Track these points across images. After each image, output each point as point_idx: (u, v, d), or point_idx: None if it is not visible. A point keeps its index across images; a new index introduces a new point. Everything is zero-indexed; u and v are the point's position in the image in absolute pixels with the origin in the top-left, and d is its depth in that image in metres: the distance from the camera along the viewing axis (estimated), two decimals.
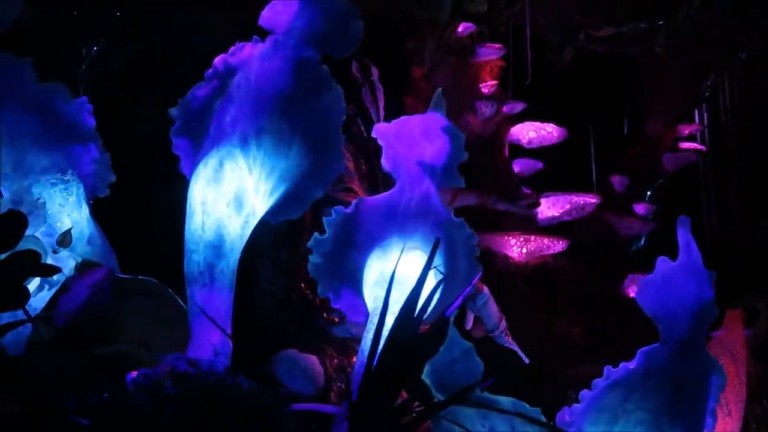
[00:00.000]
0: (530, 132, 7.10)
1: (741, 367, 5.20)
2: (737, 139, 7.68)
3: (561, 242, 6.63)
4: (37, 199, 3.48)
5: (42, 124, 3.53)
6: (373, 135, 3.20)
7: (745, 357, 5.26)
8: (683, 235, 2.94)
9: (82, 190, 3.62)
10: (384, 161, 3.16)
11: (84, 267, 3.11)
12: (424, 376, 2.45)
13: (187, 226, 3.17)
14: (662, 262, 2.96)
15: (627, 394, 2.93)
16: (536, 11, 6.84)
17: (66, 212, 3.62)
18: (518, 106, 6.89)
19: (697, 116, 7.52)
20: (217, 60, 3.16)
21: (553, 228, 6.90)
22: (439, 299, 2.99)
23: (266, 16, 3.17)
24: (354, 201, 3.16)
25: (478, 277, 3.17)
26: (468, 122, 6.85)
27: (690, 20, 6.71)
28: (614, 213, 7.06)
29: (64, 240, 3.53)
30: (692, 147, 7.32)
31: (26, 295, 2.94)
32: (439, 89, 3.26)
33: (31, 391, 2.64)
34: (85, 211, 3.68)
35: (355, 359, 3.82)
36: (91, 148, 3.58)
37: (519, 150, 7.20)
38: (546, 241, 6.61)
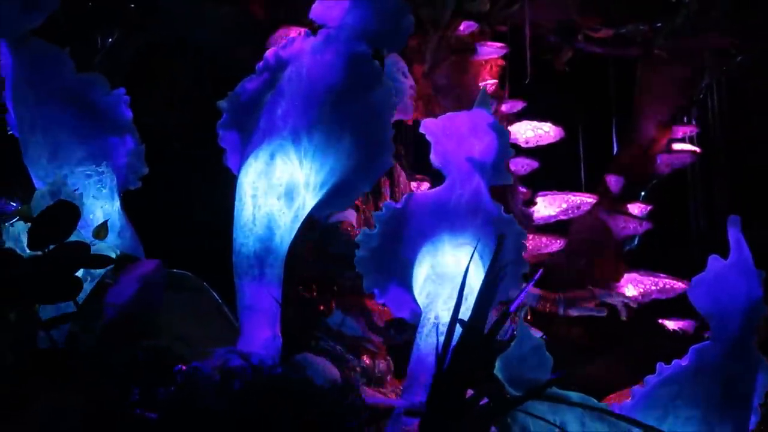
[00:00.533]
0: (528, 131, 7.11)
1: None
2: (726, 141, 7.75)
3: (558, 241, 6.66)
4: (75, 190, 3.44)
5: (79, 115, 3.52)
6: (421, 131, 3.20)
7: None
8: (734, 234, 2.97)
9: (115, 181, 3.59)
10: (433, 157, 3.16)
11: (127, 259, 3.08)
12: (496, 372, 2.45)
13: (236, 219, 3.15)
14: (714, 261, 2.99)
15: (678, 390, 2.95)
16: (535, 11, 6.85)
17: (99, 204, 3.61)
18: (518, 105, 6.90)
19: (685, 118, 7.56)
20: (269, 53, 3.15)
21: (549, 227, 6.93)
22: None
23: (317, 10, 3.16)
24: (404, 196, 3.14)
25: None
26: None
27: (689, 23, 6.75)
28: (609, 213, 7.09)
29: (101, 232, 3.51)
30: (687, 149, 7.37)
31: (79, 285, 2.92)
32: (484, 87, 3.25)
33: (96, 383, 2.62)
34: (117, 203, 3.67)
35: (366, 357, 3.83)
36: (127, 140, 3.57)
37: (516, 149, 7.20)
38: (544, 240, 6.64)
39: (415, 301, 3.17)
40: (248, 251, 3.09)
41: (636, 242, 7.29)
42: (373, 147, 3.16)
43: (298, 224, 3.15)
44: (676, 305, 6.85)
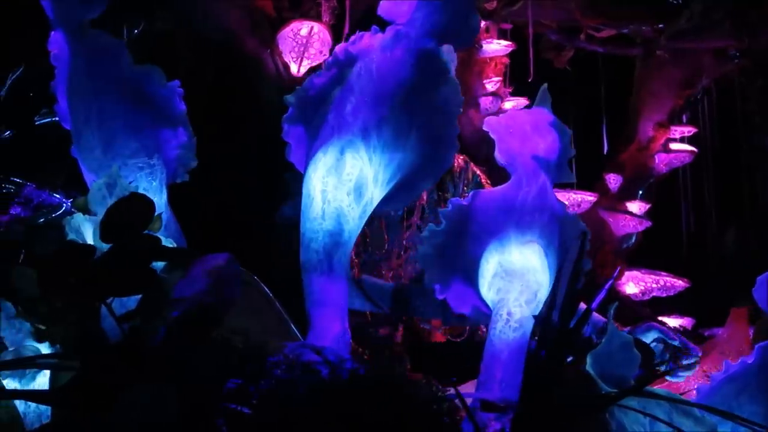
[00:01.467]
0: None
1: None
2: (717, 142, 7.90)
3: None
4: (130, 182, 3.44)
5: (134, 107, 3.50)
6: (485, 128, 3.23)
7: None
8: None
9: (164, 174, 3.59)
10: (498, 154, 3.19)
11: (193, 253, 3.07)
12: (588, 368, 2.49)
13: (305, 214, 3.16)
14: None
15: (742, 387, 3.01)
16: (539, 11, 6.93)
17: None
18: (521, 103, 6.98)
19: (684, 118, 7.69)
20: (338, 48, 3.16)
21: None
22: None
23: (385, 6, 3.18)
24: (470, 192, 3.18)
25: None
26: (470, 117, 6.91)
27: (692, 25, 6.86)
28: (609, 210, 7.19)
29: (155, 224, 3.49)
30: (686, 148, 7.49)
31: (153, 278, 2.91)
32: (545, 85, 3.30)
33: (188, 377, 2.62)
34: (164, 196, 3.66)
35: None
36: (180, 133, 3.56)
37: None
38: None
39: (478, 297, 3.20)
40: (317, 246, 3.10)
41: (633, 240, 7.40)
42: (439, 144, 3.19)
43: (365, 220, 3.17)
44: (677, 303, 6.98)
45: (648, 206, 7.38)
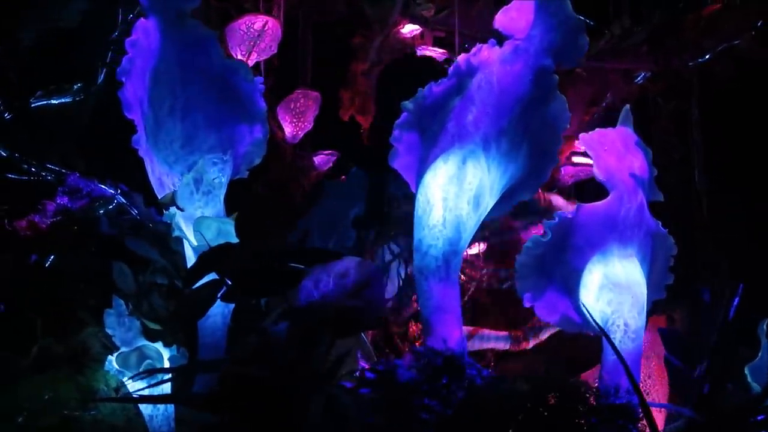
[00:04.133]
0: None
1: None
2: None
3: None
4: (214, 179, 3.39)
5: (219, 101, 3.46)
6: (580, 145, 3.37)
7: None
8: None
9: (230, 170, 3.55)
10: (596, 171, 3.33)
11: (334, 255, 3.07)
12: (750, 381, 2.69)
13: (422, 220, 3.21)
14: None
15: None
16: (466, 21, 7.11)
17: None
18: None
19: None
20: (461, 59, 3.22)
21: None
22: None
23: (501, 21, 3.27)
24: (575, 206, 3.30)
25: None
26: None
27: (611, 46, 7.24)
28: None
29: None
30: (585, 162, 7.82)
31: (297, 278, 2.91)
32: (627, 106, 3.47)
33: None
34: (224, 192, 3.61)
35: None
36: (256, 129, 3.54)
37: None
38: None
39: (571, 306, 3.34)
40: (437, 252, 3.16)
41: None
42: (543, 157, 3.31)
43: (477, 227, 3.25)
44: None
45: None
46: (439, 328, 3.12)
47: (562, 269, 3.32)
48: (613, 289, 3.21)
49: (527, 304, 3.38)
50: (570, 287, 3.32)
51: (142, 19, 3.43)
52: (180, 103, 3.40)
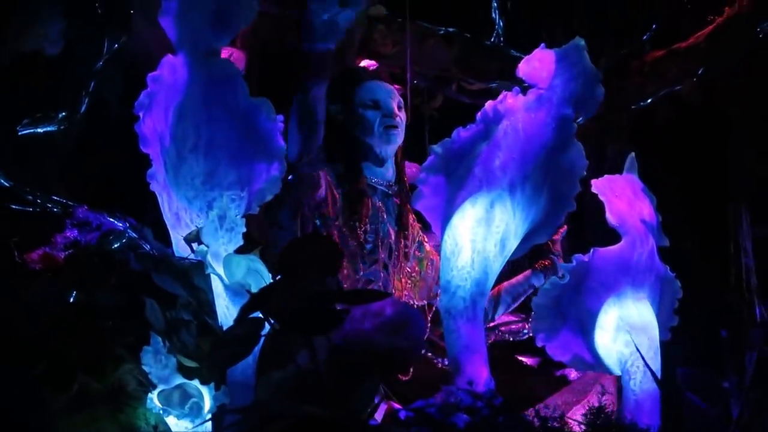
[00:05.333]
0: None
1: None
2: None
3: None
4: (237, 215, 3.43)
5: (241, 138, 3.52)
6: (594, 190, 3.50)
7: None
8: None
9: (245, 207, 3.59)
10: (609, 216, 3.47)
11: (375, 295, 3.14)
12: None
13: (450, 262, 3.30)
14: None
15: None
16: (419, 59, 7.25)
17: None
18: None
19: None
20: (488, 106, 3.34)
21: None
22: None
23: (524, 69, 3.40)
24: (591, 250, 3.43)
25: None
26: None
27: None
28: None
29: None
30: None
31: (341, 319, 2.96)
32: (632, 154, 3.64)
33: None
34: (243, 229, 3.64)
35: None
36: (273, 167, 3.59)
37: None
38: None
39: (584, 346, 3.46)
40: (465, 293, 3.25)
41: None
42: (559, 202, 3.44)
43: (500, 270, 3.35)
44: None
45: None
46: (467, 368, 3.21)
47: (578, 310, 3.43)
48: (630, 331, 3.33)
49: (540, 344, 3.48)
50: (584, 328, 3.44)
51: (169, 55, 3.45)
52: (204, 140, 3.42)
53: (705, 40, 7.23)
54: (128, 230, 3.66)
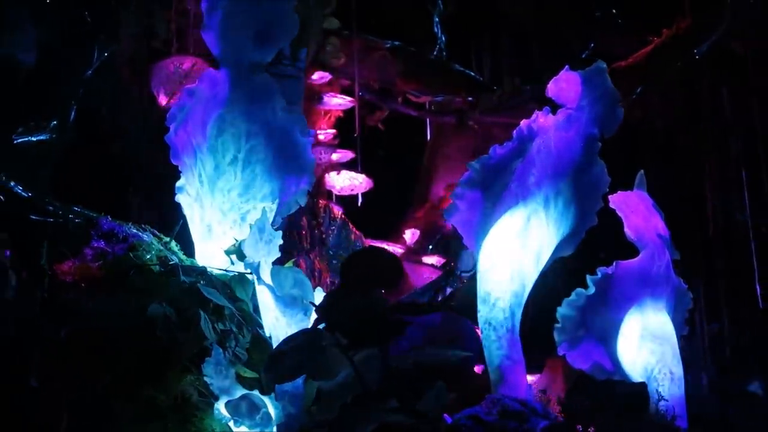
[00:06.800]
0: (345, 180, 7.55)
1: None
2: None
3: None
4: (276, 228, 3.51)
5: (276, 152, 3.58)
6: (612, 206, 3.68)
7: None
8: None
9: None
10: (627, 231, 3.66)
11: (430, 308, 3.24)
12: None
13: (489, 274, 3.42)
14: None
15: None
16: (363, 71, 7.39)
17: None
18: (348, 155, 7.35)
19: None
20: (523, 125, 3.47)
21: None
22: None
23: (553, 90, 3.55)
24: (614, 263, 3.60)
25: None
26: None
27: (502, 102, 7.70)
28: (412, 262, 7.75)
29: None
30: None
31: (402, 329, 3.06)
32: (642, 171, 3.83)
33: None
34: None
35: None
36: (303, 181, 3.69)
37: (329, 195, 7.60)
38: None
39: (605, 354, 3.62)
40: (504, 305, 3.38)
41: None
42: (585, 217, 3.60)
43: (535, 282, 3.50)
44: None
45: (444, 260, 7.99)
46: (509, 376, 3.32)
47: (601, 320, 3.59)
48: (654, 340, 3.52)
49: (562, 353, 3.62)
50: (606, 337, 3.60)
51: (210, 69, 3.48)
52: (243, 153, 3.48)
53: (644, 60, 7.58)
54: (155, 242, 3.66)
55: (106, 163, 5.61)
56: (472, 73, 8.08)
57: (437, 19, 8.23)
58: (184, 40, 6.34)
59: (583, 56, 7.95)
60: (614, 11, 7.77)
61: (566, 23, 7.83)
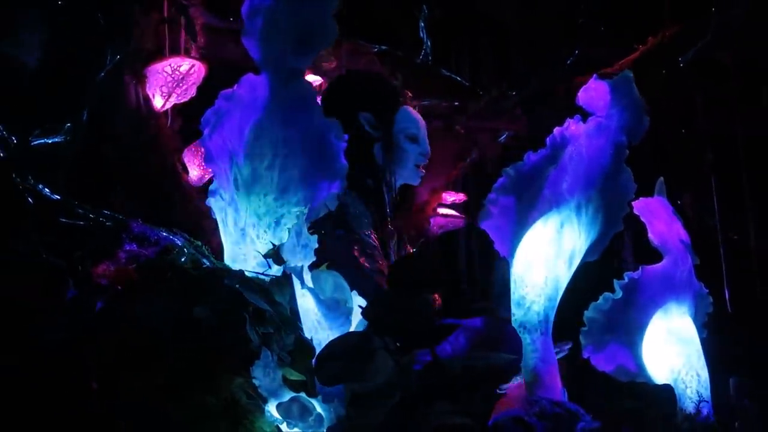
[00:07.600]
0: None
1: None
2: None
3: None
4: (311, 233, 3.54)
5: (311, 157, 3.60)
6: (636, 212, 3.78)
7: None
8: None
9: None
10: (651, 236, 3.75)
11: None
12: None
13: (524, 278, 3.50)
14: None
15: None
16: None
17: None
18: None
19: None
20: (557, 131, 3.55)
21: None
22: None
23: (583, 98, 3.64)
24: (640, 268, 3.70)
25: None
26: None
27: (489, 107, 7.78)
28: None
29: None
30: (452, 214, 8.29)
31: (447, 333, 3.13)
32: (661, 178, 3.93)
33: None
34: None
35: None
36: (335, 185, 3.71)
37: None
38: None
39: (630, 357, 3.71)
40: (539, 308, 3.46)
41: None
42: (611, 223, 3.68)
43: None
44: None
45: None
46: (545, 378, 3.40)
47: (626, 324, 3.68)
48: (679, 343, 3.61)
49: (587, 356, 3.70)
50: (632, 340, 3.69)
51: (250, 74, 3.50)
52: (280, 158, 3.50)
53: (630, 67, 7.71)
54: (187, 246, 3.67)
55: (100, 165, 5.58)
56: (459, 78, 8.14)
57: (423, 24, 8.27)
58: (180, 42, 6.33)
59: (569, 62, 8.04)
60: (599, 19, 7.85)
61: (553, 29, 7.91)
